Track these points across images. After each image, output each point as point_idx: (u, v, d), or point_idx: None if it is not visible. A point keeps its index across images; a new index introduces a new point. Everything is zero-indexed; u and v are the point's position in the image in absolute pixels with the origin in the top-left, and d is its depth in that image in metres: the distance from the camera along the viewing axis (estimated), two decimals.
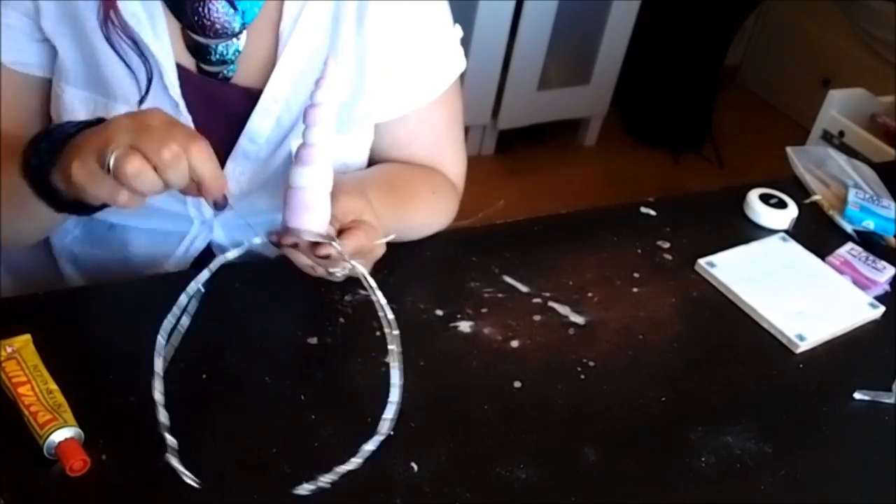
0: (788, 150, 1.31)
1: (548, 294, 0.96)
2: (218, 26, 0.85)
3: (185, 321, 0.75)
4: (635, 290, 1.00)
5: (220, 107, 0.90)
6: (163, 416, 0.68)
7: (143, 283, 0.92)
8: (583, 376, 0.87)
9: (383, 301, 0.73)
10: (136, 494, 0.69)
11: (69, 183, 0.70)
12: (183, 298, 0.72)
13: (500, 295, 0.95)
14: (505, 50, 2.62)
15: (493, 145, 2.86)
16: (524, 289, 0.97)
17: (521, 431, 0.80)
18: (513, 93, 2.72)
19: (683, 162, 3.05)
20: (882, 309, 1.02)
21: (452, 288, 0.95)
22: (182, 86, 0.87)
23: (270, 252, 0.99)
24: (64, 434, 0.69)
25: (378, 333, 0.87)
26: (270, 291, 0.91)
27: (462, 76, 1.00)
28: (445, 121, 1.01)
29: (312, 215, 0.73)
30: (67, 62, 0.86)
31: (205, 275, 0.72)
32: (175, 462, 0.67)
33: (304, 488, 0.68)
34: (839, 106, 2.22)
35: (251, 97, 0.89)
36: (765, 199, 1.15)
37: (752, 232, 1.13)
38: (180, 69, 0.87)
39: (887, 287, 1.07)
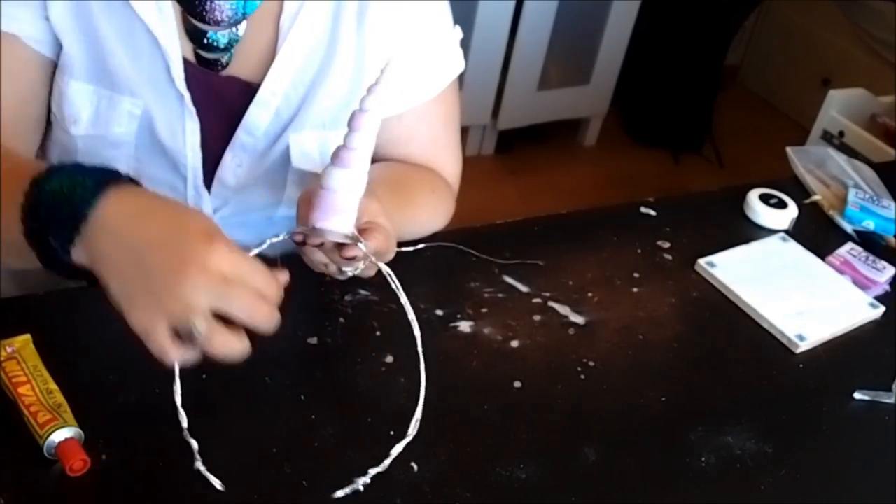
0: (788, 150, 1.31)
1: (548, 294, 0.96)
2: (219, 14, 0.85)
3: None
4: (635, 290, 1.00)
5: (220, 99, 0.90)
6: (184, 420, 0.67)
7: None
8: (583, 376, 0.87)
9: (405, 300, 0.73)
10: (135, 494, 0.69)
11: (106, 289, 0.64)
12: None
13: (500, 295, 0.95)
14: (505, 50, 2.62)
15: (493, 145, 2.86)
16: (524, 289, 0.97)
17: (521, 431, 0.80)
18: (513, 93, 2.72)
19: (683, 162, 3.05)
20: (882, 309, 1.02)
21: (452, 288, 0.95)
22: (187, 76, 0.87)
23: (272, 252, 0.99)
24: (64, 434, 0.69)
25: (378, 333, 0.87)
26: None
27: (462, 76, 1.01)
28: (443, 120, 1.01)
29: (342, 217, 0.72)
30: (72, 55, 0.86)
31: None
32: (202, 468, 0.67)
33: (343, 491, 0.69)
34: (839, 106, 2.22)
35: (250, 90, 0.89)
36: (765, 199, 1.15)
37: (752, 232, 1.13)
38: (187, 63, 0.87)
39: (887, 287, 1.07)
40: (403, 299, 0.73)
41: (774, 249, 1.10)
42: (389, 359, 0.85)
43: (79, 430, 0.70)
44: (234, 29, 0.87)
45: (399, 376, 0.83)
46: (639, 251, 1.06)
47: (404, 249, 0.85)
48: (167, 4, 0.84)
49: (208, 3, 0.84)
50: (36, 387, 0.73)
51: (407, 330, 0.80)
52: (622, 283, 1.01)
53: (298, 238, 0.74)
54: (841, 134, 2.18)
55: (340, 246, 0.74)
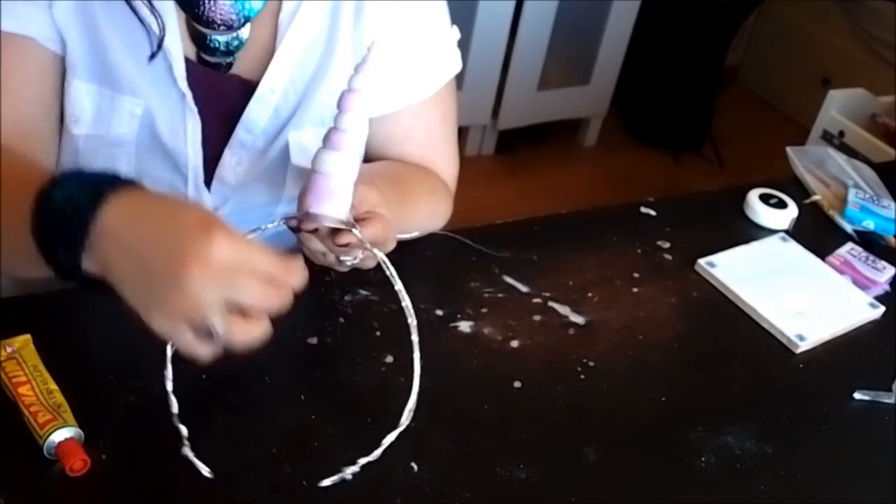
0: (788, 150, 1.31)
1: (548, 294, 0.96)
2: (222, 18, 0.85)
3: None
4: (635, 290, 1.00)
5: (220, 97, 0.90)
6: (174, 406, 0.67)
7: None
8: (583, 376, 0.87)
9: (401, 287, 0.72)
10: (135, 494, 0.69)
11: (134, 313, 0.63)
12: None
13: (500, 295, 0.95)
14: (505, 50, 2.62)
15: (493, 145, 2.86)
16: (524, 289, 0.97)
17: (521, 431, 0.80)
18: (513, 93, 2.72)
19: (683, 162, 3.05)
20: (882, 309, 1.02)
21: (452, 288, 0.95)
22: (189, 75, 0.87)
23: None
24: (64, 434, 0.69)
25: (378, 333, 0.87)
26: None
27: (462, 76, 1.01)
28: (439, 120, 1.01)
29: (336, 202, 0.71)
30: (75, 54, 0.86)
31: None
32: (189, 454, 0.67)
33: (329, 480, 0.69)
34: (839, 106, 2.22)
35: (249, 88, 0.89)
36: (765, 199, 1.15)
37: (752, 232, 1.13)
38: (185, 60, 0.87)
39: (887, 287, 1.07)
40: (399, 286, 0.73)
41: (774, 249, 1.10)
42: (389, 359, 0.85)
43: (79, 430, 0.70)
44: (237, 32, 0.87)
45: (399, 376, 0.83)
46: (639, 251, 1.06)
47: (405, 236, 0.85)
48: (169, 4, 0.84)
49: (211, 7, 0.84)
50: (36, 387, 0.73)
51: (407, 330, 0.80)
52: (622, 283, 1.01)
53: (293, 223, 0.73)
54: (841, 134, 2.18)
55: (336, 233, 0.73)
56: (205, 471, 0.67)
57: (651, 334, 0.94)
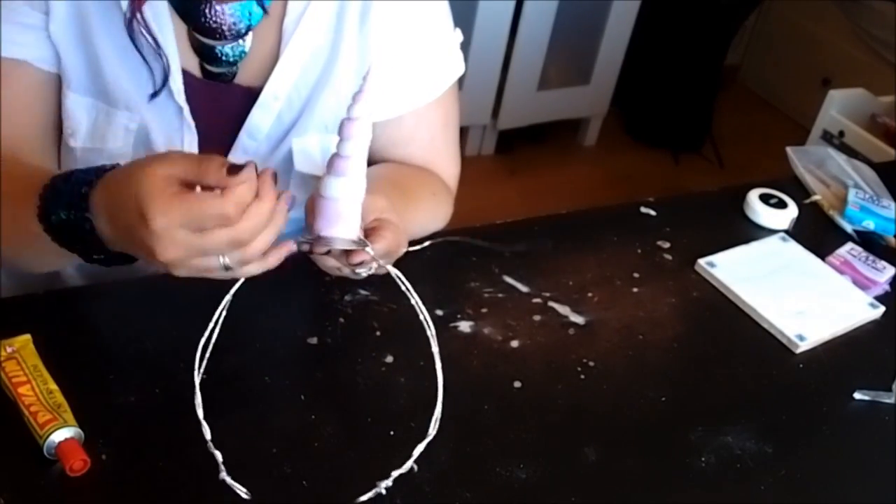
0: (788, 150, 1.31)
1: (548, 294, 0.96)
2: (224, 28, 0.85)
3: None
4: (635, 290, 1.00)
5: (222, 106, 0.90)
6: (207, 432, 0.68)
7: (142, 283, 0.92)
8: (583, 376, 0.87)
9: (418, 300, 0.73)
10: (135, 494, 0.69)
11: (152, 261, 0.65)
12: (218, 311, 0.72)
13: (500, 295, 0.95)
14: (505, 50, 2.62)
15: (493, 145, 2.86)
16: (524, 289, 0.97)
17: (521, 431, 0.80)
18: (513, 93, 2.72)
19: (683, 162, 3.05)
20: (882, 309, 1.02)
21: (452, 288, 0.95)
22: (187, 87, 0.87)
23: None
24: (64, 434, 0.69)
25: (378, 333, 0.87)
26: (270, 291, 0.91)
27: (462, 76, 1.01)
28: (442, 123, 1.01)
29: (345, 224, 0.73)
30: (70, 68, 0.86)
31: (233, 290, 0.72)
32: (227, 478, 0.67)
33: (366, 496, 0.69)
34: (839, 106, 2.22)
35: (253, 94, 0.89)
36: (765, 199, 1.15)
37: (752, 232, 1.13)
38: (184, 72, 0.87)
39: (887, 287, 1.07)
40: (416, 300, 0.73)
41: (774, 249, 1.10)
42: (389, 359, 0.85)
43: (79, 430, 0.70)
44: (240, 42, 0.87)
45: (399, 376, 0.83)
46: (639, 251, 1.06)
47: (410, 249, 0.85)
48: (166, 19, 0.84)
49: (213, 18, 0.84)
50: (36, 387, 0.73)
51: (407, 330, 0.80)
52: (622, 283, 1.01)
53: (305, 247, 0.74)
54: (841, 134, 2.18)
55: (348, 252, 0.74)
56: (244, 494, 0.68)
57: (651, 334, 0.94)
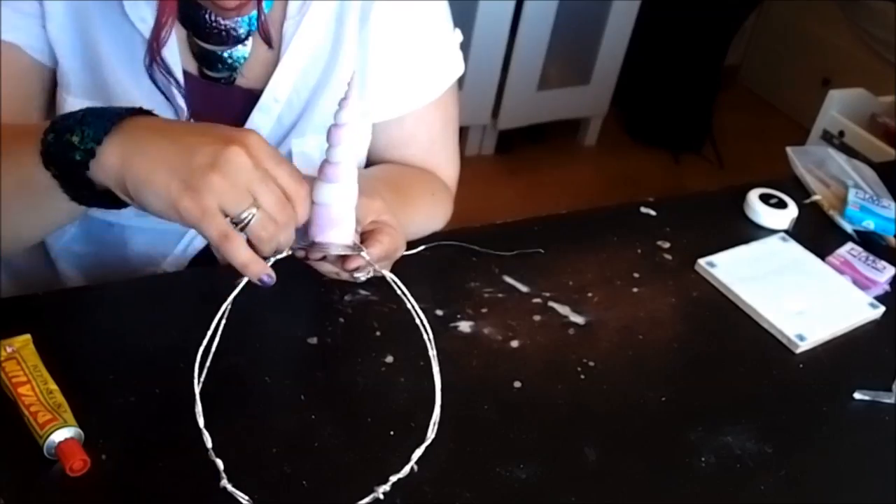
0: (788, 150, 1.31)
1: (548, 294, 0.96)
2: (224, 33, 0.85)
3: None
4: (635, 290, 1.00)
5: (222, 108, 0.90)
6: (209, 441, 0.67)
7: (142, 283, 0.92)
8: (583, 376, 0.87)
9: (414, 304, 0.73)
10: (135, 494, 0.69)
11: (140, 194, 0.63)
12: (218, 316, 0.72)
13: (500, 295, 0.95)
14: (505, 50, 2.62)
15: (493, 145, 2.86)
16: (524, 289, 0.97)
17: (521, 431, 0.80)
18: (513, 93, 2.72)
19: (683, 162, 3.05)
20: (882, 309, 1.02)
21: (452, 288, 0.95)
22: (187, 87, 0.87)
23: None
24: (64, 434, 0.69)
25: (378, 333, 0.87)
26: (270, 291, 0.91)
27: (462, 76, 1.01)
28: (442, 123, 1.01)
29: (339, 230, 0.73)
30: (68, 71, 0.86)
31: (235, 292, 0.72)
32: (228, 486, 0.67)
33: (363, 502, 0.69)
34: (839, 106, 2.22)
35: (253, 97, 0.89)
36: (765, 199, 1.15)
37: (752, 232, 1.13)
38: (185, 75, 0.87)
39: (887, 287, 1.07)
40: (412, 304, 0.73)
41: (774, 249, 1.10)
42: (389, 359, 0.85)
43: (79, 430, 0.70)
44: (240, 47, 0.87)
45: (399, 376, 0.83)
46: (639, 251, 1.06)
47: (408, 253, 0.85)
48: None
49: (214, 24, 0.84)
50: (36, 387, 0.73)
51: (407, 330, 0.80)
52: (622, 283, 1.01)
53: (301, 254, 0.75)
54: (841, 134, 2.18)
55: (344, 258, 0.74)
56: (245, 501, 0.67)
57: (651, 334, 0.94)
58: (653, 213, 1.14)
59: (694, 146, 3.09)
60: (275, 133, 0.91)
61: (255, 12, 0.84)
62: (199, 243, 0.97)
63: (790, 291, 1.02)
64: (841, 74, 2.97)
